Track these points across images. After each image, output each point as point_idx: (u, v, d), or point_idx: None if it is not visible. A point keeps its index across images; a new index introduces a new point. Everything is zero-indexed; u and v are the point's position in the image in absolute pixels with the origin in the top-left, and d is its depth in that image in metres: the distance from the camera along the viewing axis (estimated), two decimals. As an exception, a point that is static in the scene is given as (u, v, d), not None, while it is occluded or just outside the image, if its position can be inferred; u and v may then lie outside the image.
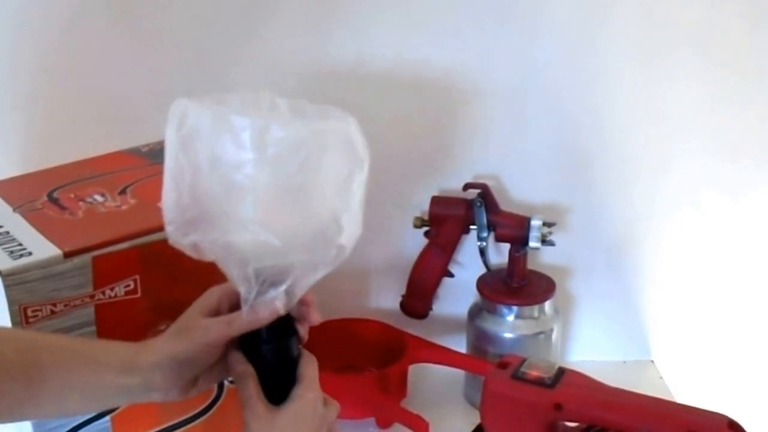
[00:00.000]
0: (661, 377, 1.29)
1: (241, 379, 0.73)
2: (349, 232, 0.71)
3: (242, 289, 0.71)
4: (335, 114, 0.71)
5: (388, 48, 1.18)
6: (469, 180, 1.22)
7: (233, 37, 1.17)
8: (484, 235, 1.21)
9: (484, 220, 1.20)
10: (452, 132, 1.23)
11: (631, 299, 1.30)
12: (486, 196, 1.20)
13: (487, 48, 1.18)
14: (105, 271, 0.84)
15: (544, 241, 1.18)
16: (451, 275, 1.25)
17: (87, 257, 0.82)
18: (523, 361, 0.94)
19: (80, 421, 0.86)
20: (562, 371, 0.92)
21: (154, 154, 1.03)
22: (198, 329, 0.74)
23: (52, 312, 0.82)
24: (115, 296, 0.85)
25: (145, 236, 0.85)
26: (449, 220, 1.22)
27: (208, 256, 0.71)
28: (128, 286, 0.86)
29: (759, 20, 1.17)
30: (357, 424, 1.14)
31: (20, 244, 0.83)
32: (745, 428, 0.83)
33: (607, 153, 1.23)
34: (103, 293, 0.84)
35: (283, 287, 0.71)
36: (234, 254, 0.70)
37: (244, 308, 0.72)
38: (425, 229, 1.24)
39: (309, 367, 0.75)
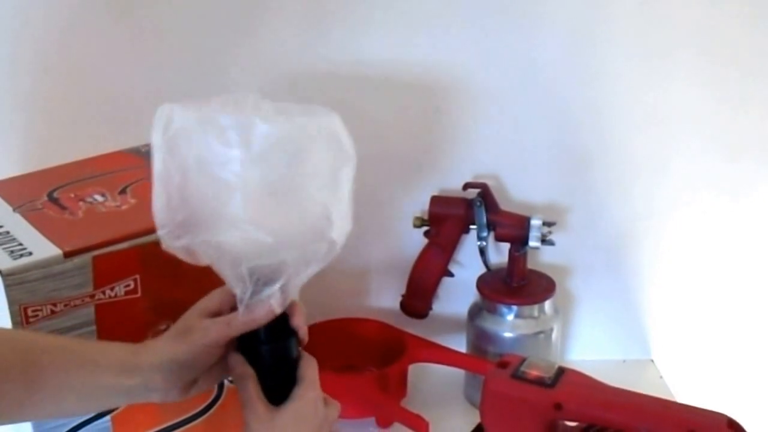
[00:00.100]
0: (661, 377, 1.29)
1: (241, 380, 0.74)
2: (340, 227, 0.71)
3: (238, 290, 0.72)
4: (320, 111, 0.71)
5: (387, 48, 1.18)
6: (468, 179, 1.22)
7: (232, 38, 1.17)
8: (484, 234, 1.21)
9: (484, 220, 1.20)
10: (452, 131, 1.23)
11: (631, 298, 1.30)
12: (486, 195, 1.20)
13: (487, 48, 1.18)
14: (105, 271, 0.84)
15: (544, 240, 1.18)
16: (451, 275, 1.25)
17: (87, 257, 0.82)
18: (523, 360, 0.94)
19: (80, 421, 0.86)
20: (561, 371, 0.92)
21: (154, 154, 1.03)
22: (198, 330, 0.74)
23: (52, 312, 0.82)
24: (115, 296, 0.85)
25: (145, 236, 0.84)
26: (449, 219, 1.22)
27: (203, 260, 0.71)
28: (128, 285, 0.86)
29: (759, 20, 1.17)
30: (357, 424, 1.14)
31: (20, 244, 0.83)
32: (744, 428, 0.83)
33: (606, 153, 1.23)
34: (103, 293, 0.85)
35: (277, 285, 0.71)
36: (227, 254, 0.70)
37: (240, 308, 0.72)
38: (425, 228, 1.24)
39: (309, 368, 0.75)
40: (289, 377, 0.74)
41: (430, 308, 1.26)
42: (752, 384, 1.32)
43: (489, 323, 1.19)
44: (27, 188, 0.96)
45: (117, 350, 0.75)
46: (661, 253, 1.28)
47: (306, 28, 1.17)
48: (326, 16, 1.17)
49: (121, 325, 0.86)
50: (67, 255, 0.82)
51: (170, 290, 0.86)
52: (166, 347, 0.74)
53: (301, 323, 0.76)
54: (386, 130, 1.22)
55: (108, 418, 0.88)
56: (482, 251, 1.22)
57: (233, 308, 0.74)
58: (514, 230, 1.19)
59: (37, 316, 0.81)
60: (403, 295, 1.26)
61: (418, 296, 1.25)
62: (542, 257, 1.25)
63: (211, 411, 0.95)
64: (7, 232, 0.86)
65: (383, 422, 1.15)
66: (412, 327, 1.24)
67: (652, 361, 1.32)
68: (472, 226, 1.21)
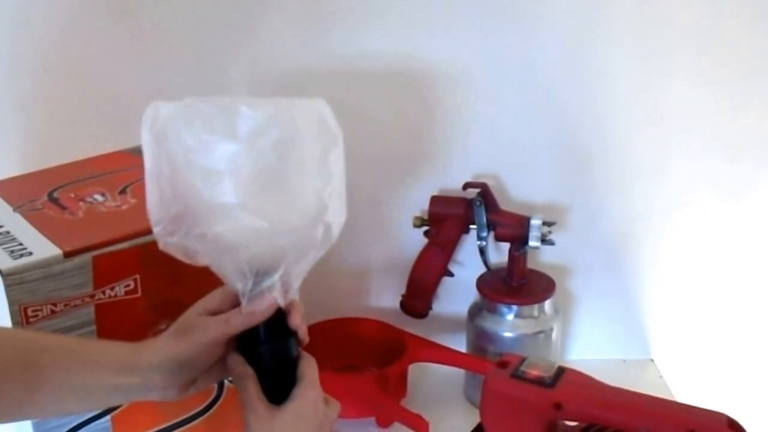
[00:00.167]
0: (661, 376, 1.29)
1: (241, 380, 0.74)
2: (334, 210, 0.71)
3: (239, 285, 0.72)
4: (306, 100, 0.72)
5: (387, 47, 1.18)
6: (468, 179, 1.22)
7: (232, 38, 1.17)
8: (484, 234, 1.21)
9: (484, 220, 1.20)
10: (452, 131, 1.23)
11: (631, 298, 1.30)
12: (486, 195, 1.20)
13: (487, 48, 1.18)
14: (105, 271, 0.84)
15: (544, 240, 1.18)
16: (451, 274, 1.25)
17: (87, 257, 0.82)
18: (523, 360, 0.94)
19: (80, 420, 0.86)
20: (561, 370, 0.92)
21: (154, 153, 1.03)
22: (197, 329, 0.74)
23: (52, 312, 0.82)
24: (115, 296, 0.85)
25: (145, 236, 0.84)
26: (449, 219, 1.22)
27: (202, 260, 0.71)
28: (128, 285, 0.86)
29: (759, 20, 1.17)
30: (357, 424, 1.14)
31: (20, 244, 0.83)
32: (744, 427, 0.83)
33: (606, 153, 1.23)
34: (104, 293, 0.85)
35: (277, 275, 0.71)
36: (224, 247, 0.70)
37: (243, 302, 0.72)
38: (425, 228, 1.24)
39: (309, 368, 0.75)
40: (288, 377, 0.74)
41: (430, 308, 1.26)
42: (752, 384, 1.32)
43: (489, 323, 1.19)
44: (27, 188, 0.96)
45: (117, 349, 0.75)
46: (661, 253, 1.28)
47: (306, 27, 1.17)
48: (326, 16, 1.17)
49: (121, 324, 0.86)
50: (67, 255, 0.82)
51: (170, 290, 0.86)
52: (165, 346, 0.74)
53: (300, 323, 0.76)
54: (386, 129, 1.22)
55: (108, 418, 0.88)
56: (482, 251, 1.22)
57: (233, 307, 0.74)
58: (514, 230, 1.19)
59: (37, 316, 0.81)
60: (403, 295, 1.26)
61: (418, 296, 1.25)
62: (542, 257, 1.25)
63: (212, 411, 0.95)
64: (7, 232, 0.86)
65: (383, 422, 1.15)
66: (412, 327, 1.24)
67: (652, 360, 1.32)
68: (472, 226, 1.21)
